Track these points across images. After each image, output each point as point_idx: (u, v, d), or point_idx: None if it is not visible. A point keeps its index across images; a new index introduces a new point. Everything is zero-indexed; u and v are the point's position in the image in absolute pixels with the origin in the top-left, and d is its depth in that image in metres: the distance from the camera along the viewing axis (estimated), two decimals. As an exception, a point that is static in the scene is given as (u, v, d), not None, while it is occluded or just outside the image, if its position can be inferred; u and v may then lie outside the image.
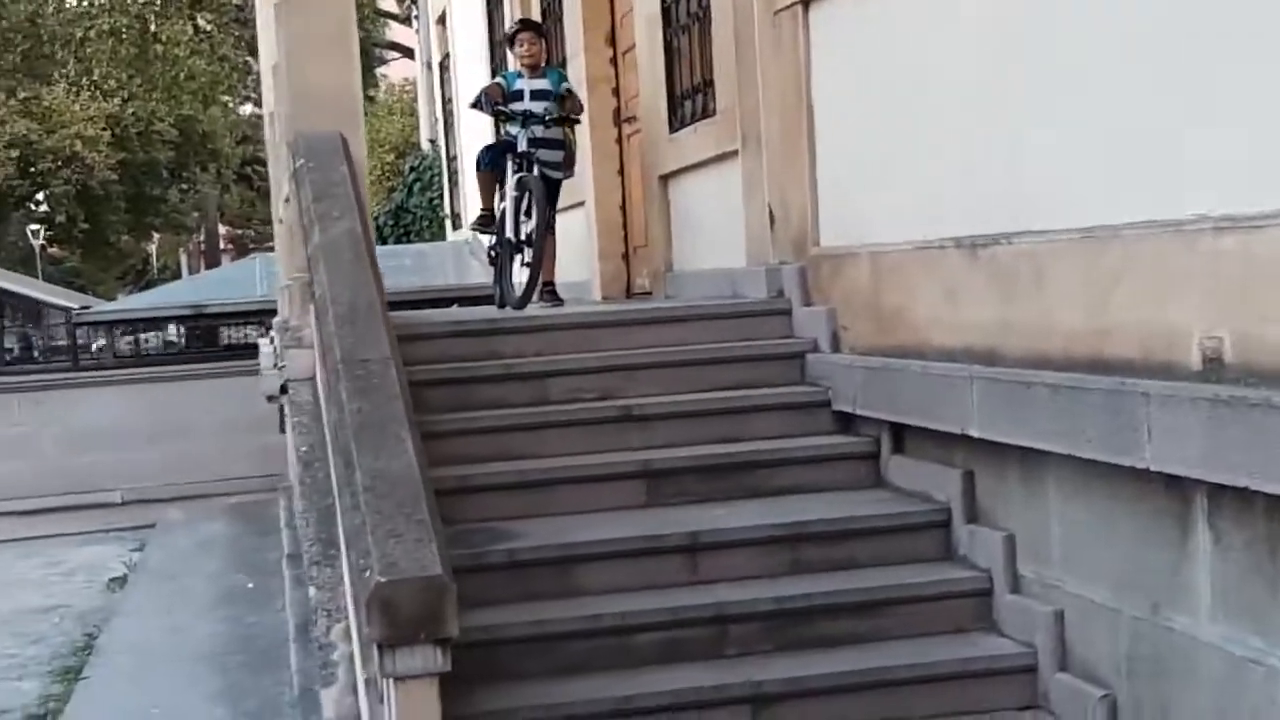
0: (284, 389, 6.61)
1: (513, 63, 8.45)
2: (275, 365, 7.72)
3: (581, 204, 10.05)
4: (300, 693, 6.23)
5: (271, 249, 32.58)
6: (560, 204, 11.22)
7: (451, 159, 17.37)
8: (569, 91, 8.15)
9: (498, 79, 8.45)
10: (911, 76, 5.44)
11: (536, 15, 11.56)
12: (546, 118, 7.86)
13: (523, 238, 7.84)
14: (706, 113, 7.49)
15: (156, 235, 44.73)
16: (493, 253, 8.51)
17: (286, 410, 7.17)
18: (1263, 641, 3.70)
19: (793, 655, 4.82)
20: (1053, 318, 4.51)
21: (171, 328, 15.93)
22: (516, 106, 7.94)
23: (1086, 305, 4.33)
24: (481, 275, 14.58)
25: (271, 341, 11.88)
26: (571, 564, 5.09)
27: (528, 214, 7.84)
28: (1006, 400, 4.64)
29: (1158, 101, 4.00)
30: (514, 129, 7.98)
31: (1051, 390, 4.37)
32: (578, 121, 8.26)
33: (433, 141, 18.58)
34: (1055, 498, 4.63)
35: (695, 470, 5.65)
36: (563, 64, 10.88)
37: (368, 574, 3.88)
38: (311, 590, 5.29)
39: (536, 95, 7.97)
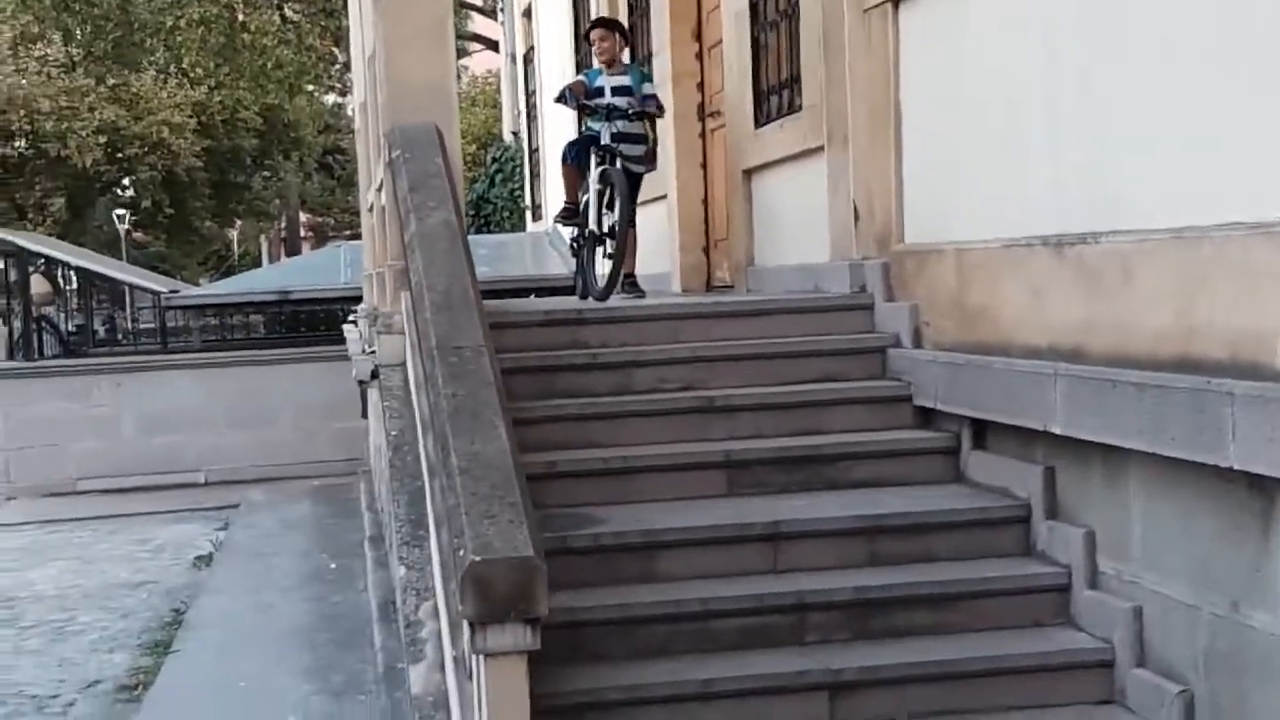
0: (375, 373, 6.76)
1: (595, 60, 8.58)
2: (364, 350, 7.88)
3: (664, 197, 10.15)
4: (384, 670, 6.41)
5: (354, 237, 33.02)
6: (642, 197, 11.34)
7: (534, 151, 17.54)
8: (651, 95, 8.30)
9: (580, 76, 8.61)
10: (1000, 76, 5.48)
11: (624, 13, 11.71)
12: (630, 111, 8.00)
13: (605, 230, 7.97)
14: (793, 108, 7.56)
15: (239, 222, 45.37)
16: (575, 245, 8.65)
17: (376, 394, 7.33)
18: (1344, 641, 3.73)
19: (870, 644, 4.89)
20: (1139, 317, 4.55)
21: (256, 313, 16.18)
22: (599, 101, 8.09)
23: (1173, 305, 4.37)
24: (560, 266, 14.76)
25: (357, 327, 12.12)
26: (654, 550, 5.20)
27: (609, 206, 7.97)
28: (1090, 398, 4.69)
29: (1248, 104, 4.04)
30: (597, 124, 8.12)
31: (1136, 388, 4.41)
32: (659, 116, 8.37)
33: (515, 133, 18.75)
34: (1136, 495, 4.67)
35: (776, 461, 5.73)
36: (647, 59, 11.00)
37: (462, 553, 4.00)
38: (400, 570, 5.44)
39: (617, 91, 8.12)
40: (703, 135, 9.60)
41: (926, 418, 5.94)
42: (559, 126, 15.37)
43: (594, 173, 8.05)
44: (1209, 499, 4.26)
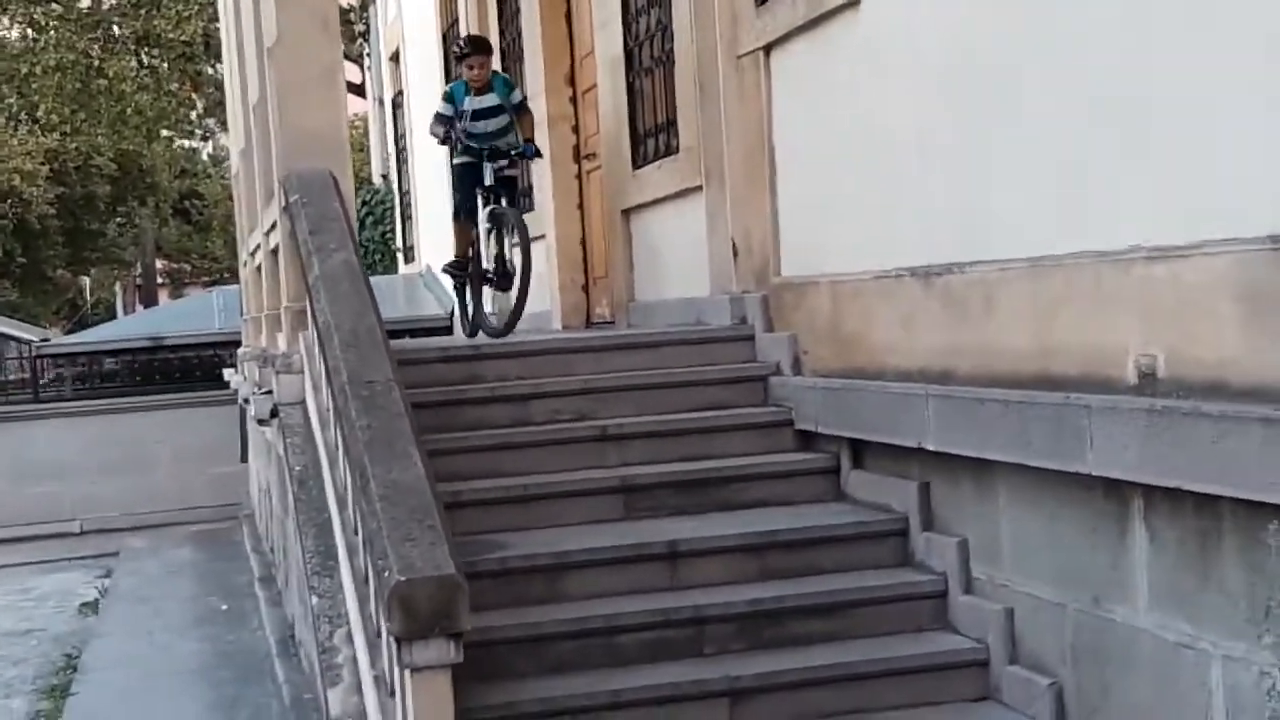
0: (274, 412, 6.94)
1: (465, 80, 8.54)
2: (257, 390, 8.04)
3: (542, 237, 10.43)
4: (291, 701, 6.57)
5: (213, 283, 32.52)
6: (520, 238, 11.65)
7: (404, 194, 17.74)
8: (521, 103, 8.51)
9: (443, 104, 8.58)
10: (868, 118, 5.90)
11: (496, 58, 11.99)
12: (510, 152, 8.29)
13: (492, 266, 8.26)
14: (670, 150, 7.93)
15: (93, 270, 44.57)
16: (458, 283, 8.93)
17: (273, 433, 7.49)
18: (1192, 628, 4.14)
19: (766, 653, 5.21)
20: (1002, 340, 4.97)
21: (129, 360, 16.10)
22: (472, 128, 8.25)
23: (1033, 328, 4.79)
24: (435, 308, 14.98)
25: (238, 371, 12.20)
26: (559, 571, 5.47)
27: (498, 242, 8.26)
28: (959, 416, 5.09)
29: (1097, 142, 4.47)
30: (467, 155, 8.32)
31: (1002, 405, 4.82)
32: (539, 155, 8.66)
33: (385, 176, 18.93)
34: (1005, 504, 5.07)
35: (669, 485, 6.05)
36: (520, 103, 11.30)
37: (387, 574, 4.24)
38: (313, 599, 5.63)
39: (483, 114, 8.29)
40: (579, 177, 9.92)
41: (808, 441, 6.31)
42: (429, 170, 15.62)
43: (483, 212, 8.25)
44: (1070, 504, 4.66)
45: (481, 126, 8.26)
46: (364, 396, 5.12)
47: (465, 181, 8.47)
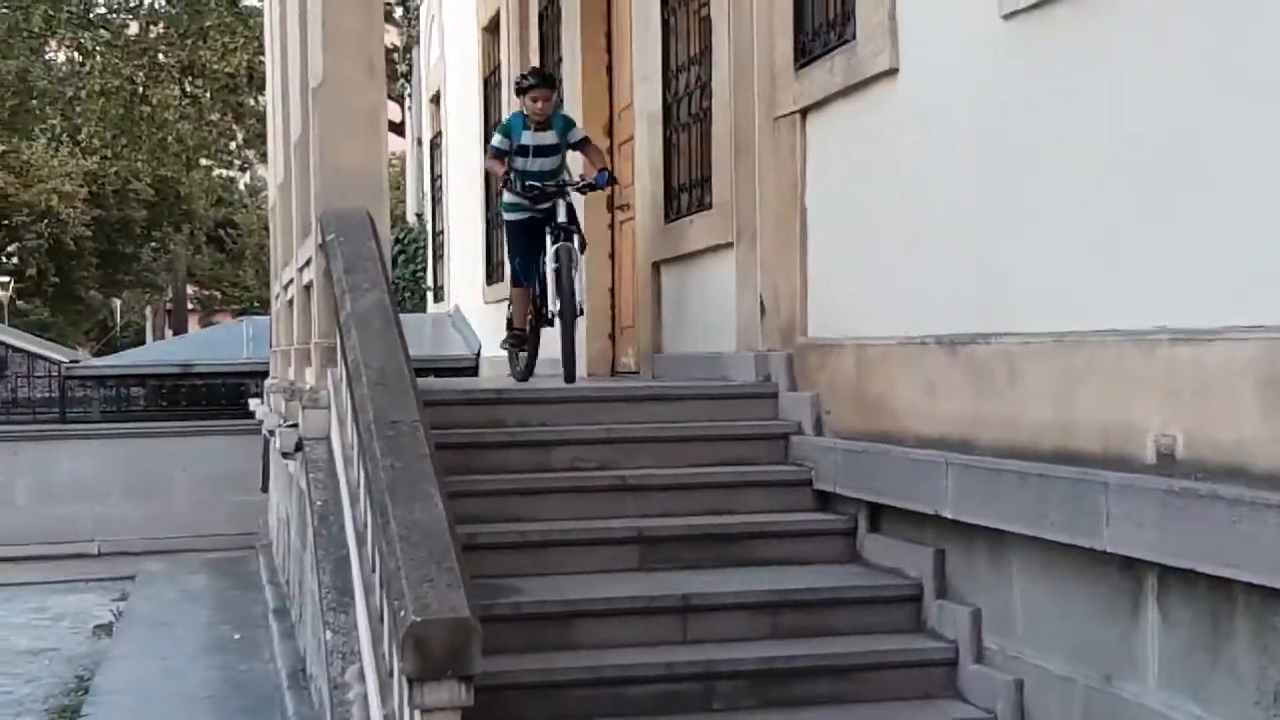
0: (299, 446, 7.00)
1: (526, 115, 8.15)
2: (282, 423, 8.11)
3: (572, 285, 10.52)
4: (299, 734, 6.60)
5: (242, 312, 32.71)
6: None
7: (437, 234, 17.89)
8: (586, 139, 8.25)
9: (501, 129, 8.22)
10: (900, 184, 5.96)
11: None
12: (580, 185, 8.05)
13: (555, 312, 7.81)
14: (703, 206, 8.00)
15: (125, 293, 44.95)
16: (513, 336, 8.56)
17: (295, 467, 7.55)
18: (1201, 709, 4.15)
19: (774, 712, 5.22)
20: (1023, 412, 5.00)
21: (156, 385, 16.23)
22: (526, 165, 7.91)
23: (1054, 402, 4.82)
24: (462, 348, 15.06)
25: (264, 401, 12.29)
26: (572, 619, 5.50)
27: (557, 286, 7.79)
28: (978, 485, 5.12)
29: (1128, 223, 4.52)
30: (516, 195, 7.95)
31: (1019, 477, 4.85)
32: (615, 182, 8.44)
33: (419, 215, 19.09)
34: (1019, 576, 5.09)
35: (685, 539, 6.08)
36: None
37: (403, 614, 4.28)
38: (327, 634, 5.66)
39: (540, 152, 7.99)
40: (612, 226, 10.01)
41: (826, 501, 6.34)
42: (462, 210, 15.77)
43: (550, 250, 7.79)
44: (1084, 580, 4.68)
45: (537, 165, 7.97)
46: (389, 436, 5.17)
47: (522, 241, 8.14)
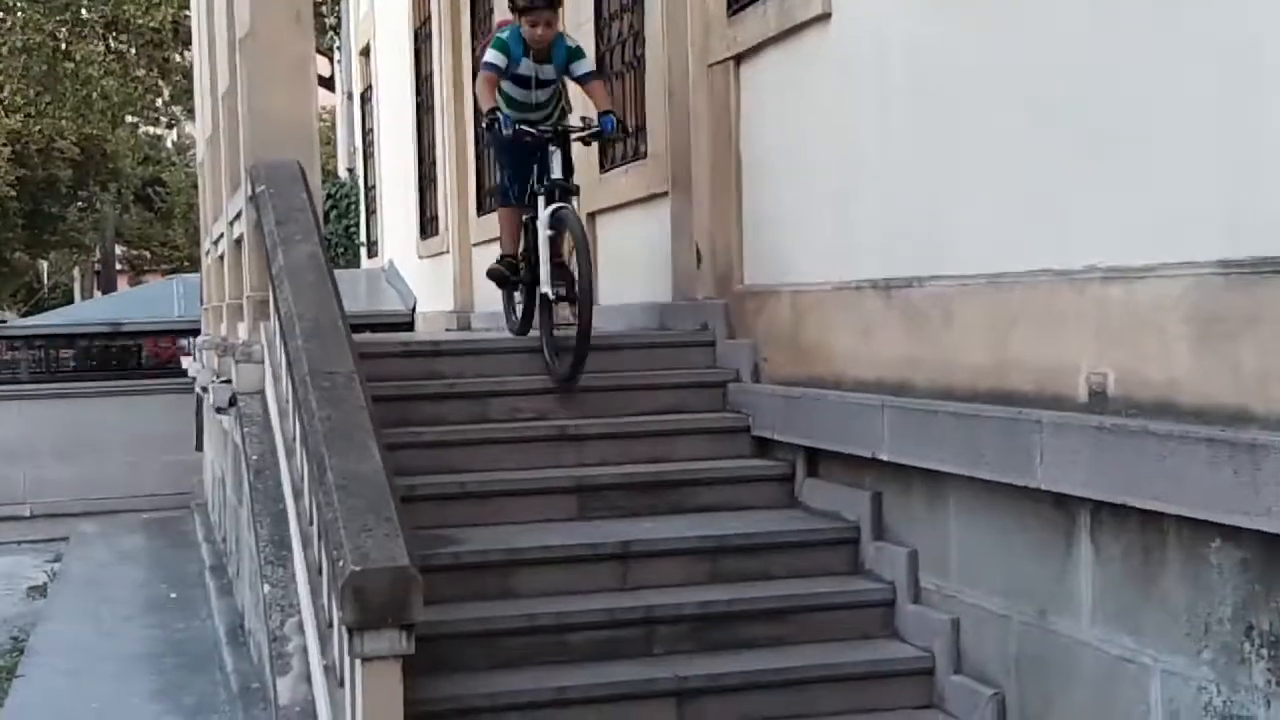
0: (233, 401, 6.94)
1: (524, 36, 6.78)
2: (216, 379, 8.03)
3: (506, 238, 10.46)
4: (239, 690, 6.57)
5: (172, 271, 32.28)
6: (483, 237, 11.71)
7: (370, 188, 17.74)
8: (593, 72, 6.95)
9: (498, 45, 6.75)
10: (835, 130, 5.96)
11: (467, 56, 12.03)
12: (583, 131, 6.73)
13: (555, 285, 6.55)
14: (637, 155, 7.98)
15: (51, 254, 44.24)
16: (507, 289, 7.37)
17: (231, 421, 7.49)
18: (1134, 641, 4.22)
19: (714, 655, 5.25)
20: (958, 354, 5.04)
21: (83, 344, 16.01)
22: (518, 95, 6.78)
23: (989, 343, 4.86)
24: (397, 303, 14.95)
25: (196, 359, 12.17)
26: (512, 567, 5.50)
27: (553, 260, 6.54)
28: (914, 427, 5.16)
29: (1058, 163, 4.55)
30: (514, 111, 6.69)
31: (955, 418, 4.89)
32: (625, 132, 7.12)
33: (350, 170, 18.91)
34: (955, 516, 5.14)
35: (624, 487, 6.09)
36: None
37: (341, 564, 4.26)
38: (265, 587, 5.64)
39: (540, 85, 6.86)
40: (547, 179, 9.94)
41: (764, 447, 6.36)
42: (395, 164, 15.63)
43: (544, 213, 6.52)
44: (1019, 518, 4.74)
45: (533, 97, 6.82)
46: (325, 388, 5.14)
47: (518, 156, 6.83)
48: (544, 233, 6.54)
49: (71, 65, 25.94)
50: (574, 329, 6.30)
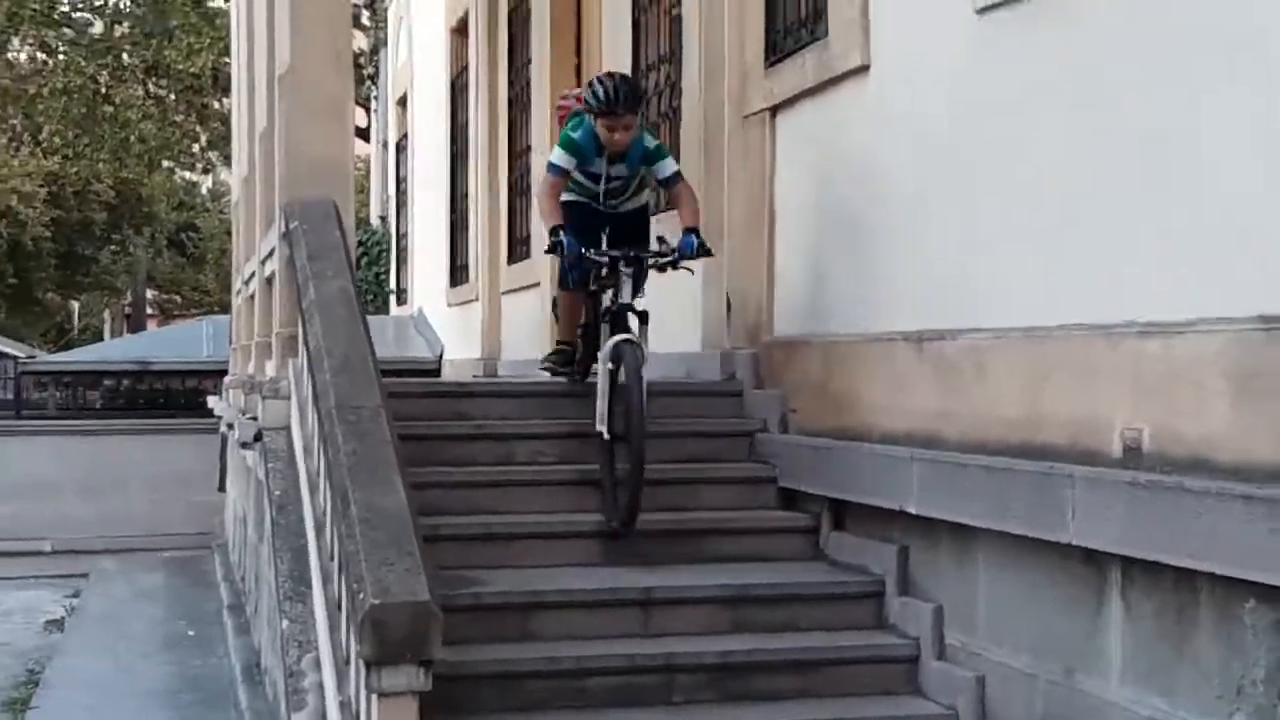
0: (258, 436, 6.94)
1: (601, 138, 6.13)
2: (242, 415, 8.03)
3: (537, 285, 10.50)
4: (253, 727, 6.53)
5: (206, 315, 32.51)
6: (515, 284, 11.73)
7: (400, 236, 17.82)
8: (676, 176, 6.25)
9: (567, 145, 6.14)
10: (869, 183, 5.95)
11: (503, 106, 12.10)
12: (662, 257, 6.01)
13: (617, 431, 5.88)
14: (671, 206, 7.96)
15: (83, 295, 44.56)
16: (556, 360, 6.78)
17: (254, 457, 7.48)
18: (1165, 703, 4.14)
19: (734, 705, 5.18)
20: (991, 407, 4.99)
21: (114, 383, 16.07)
22: (592, 184, 6.23)
23: (1022, 396, 4.81)
24: (424, 350, 14.98)
25: (223, 398, 12.19)
26: (533, 610, 5.45)
27: (613, 397, 5.88)
28: (943, 480, 5.10)
29: (1097, 216, 4.52)
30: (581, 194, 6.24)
31: (985, 471, 4.84)
32: (708, 253, 6.19)
33: (383, 218, 19.02)
34: (983, 572, 5.08)
35: (648, 534, 6.02)
36: (525, 152, 11.40)
37: (361, 597, 4.23)
38: (283, 623, 5.60)
39: (614, 192, 6.32)
40: (578, 228, 9.96)
41: (790, 499, 6.31)
42: (427, 214, 15.71)
43: (607, 345, 5.85)
44: (1048, 575, 4.67)
45: (602, 186, 6.28)
46: (351, 421, 5.13)
47: (581, 231, 6.07)
48: (605, 365, 5.88)
49: (110, 109, 26.26)
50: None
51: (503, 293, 12.00)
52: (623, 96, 5.99)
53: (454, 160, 14.21)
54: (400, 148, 18.18)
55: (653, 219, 6.78)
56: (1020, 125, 4.93)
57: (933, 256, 5.46)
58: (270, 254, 7.67)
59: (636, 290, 5.93)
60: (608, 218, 6.28)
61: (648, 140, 6.24)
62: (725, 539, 6.10)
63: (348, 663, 4.80)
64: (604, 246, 6.02)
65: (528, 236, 11.13)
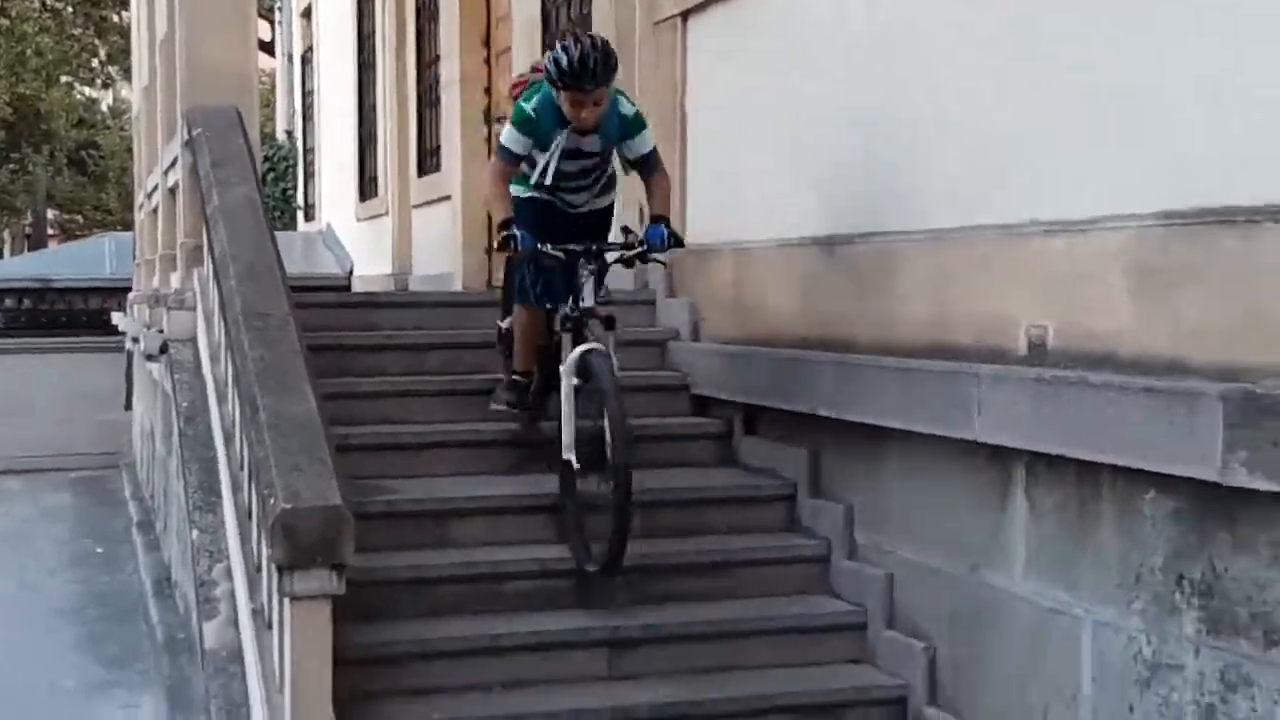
0: (164, 348, 6.84)
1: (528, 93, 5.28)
2: (147, 328, 7.90)
3: (448, 198, 10.41)
4: (165, 640, 6.49)
5: (114, 229, 31.75)
6: (425, 198, 11.62)
7: (308, 150, 17.54)
8: (651, 155, 5.32)
9: (520, 121, 5.13)
10: (779, 87, 5.94)
11: (411, 14, 11.90)
12: (626, 249, 5.20)
13: (577, 451, 5.15)
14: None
15: (-21, 215, 43.49)
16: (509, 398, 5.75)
17: (161, 369, 7.37)
18: (1067, 594, 4.23)
19: (649, 607, 5.22)
20: (900, 309, 5.04)
21: (11, 302, 15.72)
22: (556, 183, 5.25)
23: (930, 298, 4.86)
24: (334, 266, 14.81)
25: (128, 314, 11.99)
26: (446, 516, 5.45)
27: (577, 417, 5.11)
28: (853, 382, 5.15)
29: (999, 117, 4.55)
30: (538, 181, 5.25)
31: (895, 373, 4.89)
32: (679, 244, 5.29)
33: (289, 133, 18.69)
34: (893, 472, 5.15)
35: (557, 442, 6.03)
36: (435, 61, 11.24)
37: (272, 502, 4.20)
38: (194, 533, 5.56)
39: (584, 155, 5.27)
40: (489, 139, 9.88)
41: (703, 405, 6.34)
42: (334, 127, 15.46)
43: (570, 359, 5.05)
44: (955, 473, 4.74)
45: (568, 167, 5.27)
46: (258, 329, 5.06)
47: (539, 236, 5.09)
48: (567, 383, 5.05)
49: (6, 22, 25.51)
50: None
51: (413, 206, 11.88)
52: (594, 66, 4.91)
53: (361, 72, 13.98)
54: (306, 60, 17.83)
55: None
56: (928, 28, 4.93)
57: (842, 160, 5.48)
58: (173, 164, 7.52)
59: (599, 289, 5.14)
60: (570, 219, 5.38)
61: (624, 106, 5.18)
62: (639, 446, 6.04)
63: (259, 570, 4.78)
64: (565, 294, 5.19)
65: (437, 148, 11.01)
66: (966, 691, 4.73)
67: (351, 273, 14.21)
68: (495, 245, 5.12)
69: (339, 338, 6.42)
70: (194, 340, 6.65)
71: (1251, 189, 3.53)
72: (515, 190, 5.36)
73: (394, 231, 12.19)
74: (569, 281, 5.15)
